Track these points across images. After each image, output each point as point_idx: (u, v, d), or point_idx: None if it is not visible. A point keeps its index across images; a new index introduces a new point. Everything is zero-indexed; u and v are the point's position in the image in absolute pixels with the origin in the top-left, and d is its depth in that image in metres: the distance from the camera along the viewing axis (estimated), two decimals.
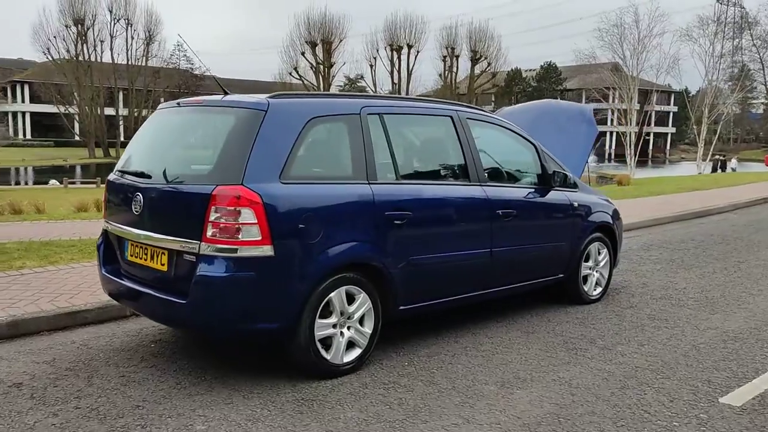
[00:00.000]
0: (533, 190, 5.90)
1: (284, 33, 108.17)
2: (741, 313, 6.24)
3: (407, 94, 52.29)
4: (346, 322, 4.52)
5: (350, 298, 4.52)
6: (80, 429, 3.69)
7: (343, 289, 4.44)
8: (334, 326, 4.45)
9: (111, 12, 67.16)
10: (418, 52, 60.03)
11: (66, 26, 64.99)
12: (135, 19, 67.67)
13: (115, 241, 4.87)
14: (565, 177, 6.11)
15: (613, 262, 6.78)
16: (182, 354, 4.92)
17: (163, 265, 4.33)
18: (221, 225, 3.99)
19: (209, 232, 4.02)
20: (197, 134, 4.64)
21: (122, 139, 64.09)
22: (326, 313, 4.40)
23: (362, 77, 65.61)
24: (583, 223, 6.30)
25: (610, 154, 67.23)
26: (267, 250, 4.06)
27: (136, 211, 4.51)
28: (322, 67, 52.75)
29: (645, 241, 10.56)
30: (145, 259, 4.48)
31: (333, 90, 59.99)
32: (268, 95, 4.44)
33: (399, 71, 58.93)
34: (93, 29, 66.26)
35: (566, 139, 6.91)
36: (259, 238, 4.03)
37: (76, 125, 68.01)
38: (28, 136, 74.45)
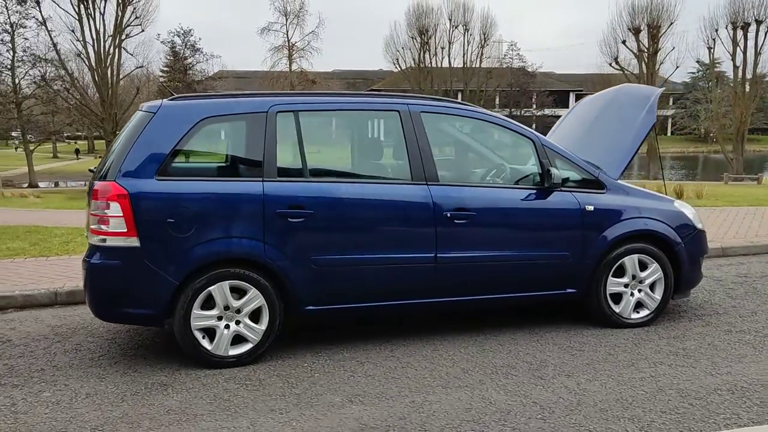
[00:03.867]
0: (516, 190, 5.18)
1: (604, 22, 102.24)
2: None
3: (753, 77, 45.53)
4: (234, 316, 4.62)
5: (242, 293, 4.62)
6: None
7: (225, 284, 4.56)
8: (219, 318, 4.59)
9: (450, 20, 71.94)
10: None
11: (412, 37, 71.57)
12: (472, 24, 71.48)
13: None
14: (583, 176, 5.27)
15: (673, 280, 5.52)
16: (153, 333, 5.47)
17: None
18: (97, 216, 4.46)
19: (91, 224, 4.51)
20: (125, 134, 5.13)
21: None
22: (211, 304, 4.57)
23: (721, 62, 58.70)
24: (606, 230, 5.28)
25: None
26: (133, 241, 4.41)
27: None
28: (645, 54, 48.84)
29: None
30: None
31: (670, 78, 55.04)
32: (170, 98, 4.77)
33: (744, 52, 51.77)
34: (435, 38, 71.78)
35: (622, 129, 5.82)
36: (125, 229, 4.39)
37: None
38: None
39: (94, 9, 51.18)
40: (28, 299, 6.41)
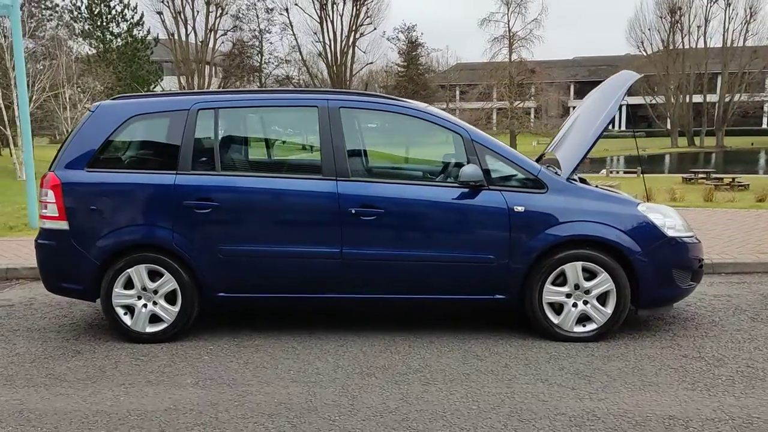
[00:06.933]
0: (433, 188, 4.96)
1: None
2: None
3: None
4: (152, 297, 5.06)
5: (160, 276, 5.05)
6: None
7: (142, 267, 5.02)
8: (139, 298, 5.07)
9: None
10: None
11: (660, 17, 65.24)
12: None
13: None
14: (520, 174, 4.94)
15: (630, 292, 4.88)
16: None
17: None
18: (41, 203, 5.17)
19: (40, 209, 5.24)
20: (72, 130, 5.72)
21: (706, 128, 62.40)
22: (131, 285, 5.07)
23: None
24: (540, 234, 4.84)
25: None
26: (63, 225, 5.04)
27: None
28: None
29: None
30: None
31: None
32: (112, 98, 5.32)
33: None
34: (688, 15, 64.73)
35: (593, 123, 5.21)
36: (57, 214, 5.05)
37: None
38: (622, 128, 78.64)
39: (333, 12, 55.32)
40: None
